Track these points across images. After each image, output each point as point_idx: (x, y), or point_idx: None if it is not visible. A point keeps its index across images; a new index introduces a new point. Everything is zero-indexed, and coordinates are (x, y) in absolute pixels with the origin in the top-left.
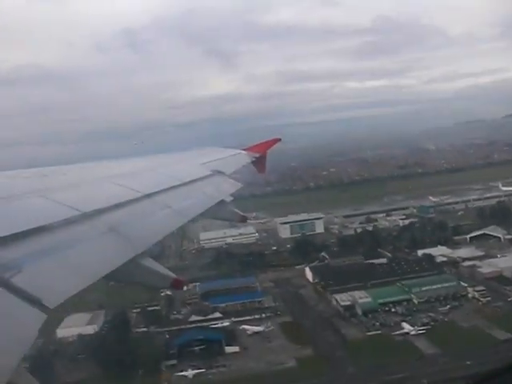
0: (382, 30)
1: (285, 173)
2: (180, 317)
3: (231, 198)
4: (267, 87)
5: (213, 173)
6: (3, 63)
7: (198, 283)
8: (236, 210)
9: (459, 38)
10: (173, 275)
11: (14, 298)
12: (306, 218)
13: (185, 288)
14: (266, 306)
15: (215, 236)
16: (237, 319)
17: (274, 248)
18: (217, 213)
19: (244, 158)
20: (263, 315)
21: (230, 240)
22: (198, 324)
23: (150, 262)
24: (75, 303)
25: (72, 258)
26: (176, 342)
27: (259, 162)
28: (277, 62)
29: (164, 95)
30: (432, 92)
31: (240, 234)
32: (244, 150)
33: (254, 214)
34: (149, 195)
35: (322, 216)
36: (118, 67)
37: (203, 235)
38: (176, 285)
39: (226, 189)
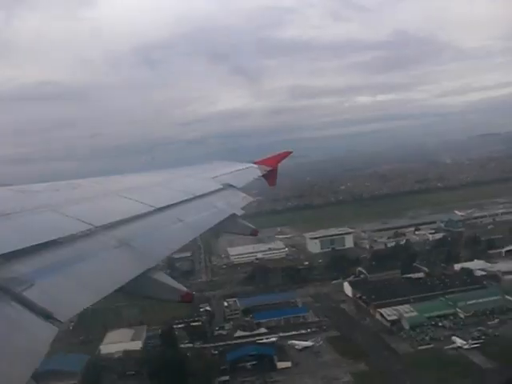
0: (394, 45)
1: (302, 187)
2: (224, 332)
3: (242, 212)
4: (277, 102)
5: (224, 186)
6: (19, 80)
7: (235, 298)
8: (247, 224)
9: (472, 51)
10: (183, 288)
11: (26, 311)
12: (336, 232)
13: (225, 304)
14: (310, 320)
15: (244, 251)
16: (283, 334)
17: (307, 263)
18: (228, 226)
19: (255, 171)
20: (309, 330)
21: (260, 255)
22: (244, 340)
23: (160, 276)
24: (112, 319)
25: (84, 272)
26: (228, 358)
27: (270, 175)
28: (287, 78)
29: (175, 112)
30: (443, 106)
31: (269, 249)
32: (255, 163)
33: (279, 229)
34: (160, 209)
35: (351, 231)
36: (131, 84)
37: (232, 250)
38: (186, 298)
39: (237, 202)
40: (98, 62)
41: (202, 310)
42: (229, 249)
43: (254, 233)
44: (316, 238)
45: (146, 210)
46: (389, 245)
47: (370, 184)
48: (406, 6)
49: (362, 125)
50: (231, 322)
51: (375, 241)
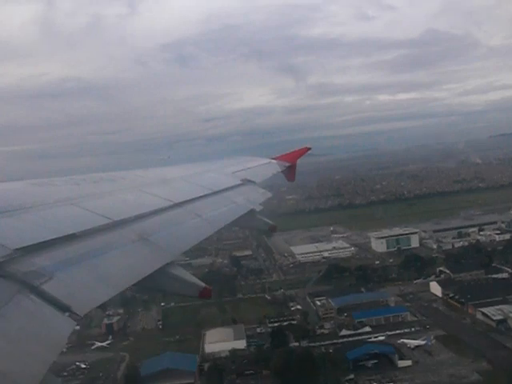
0: (417, 44)
1: (335, 186)
2: (326, 331)
3: (261, 207)
4: (300, 100)
5: (243, 182)
6: (44, 76)
7: (323, 297)
8: (266, 220)
9: (495, 50)
10: (202, 284)
11: (44, 304)
12: (401, 232)
13: (318, 303)
14: (410, 320)
15: (309, 250)
16: (390, 333)
17: (377, 262)
18: (247, 222)
19: (274, 166)
20: (412, 329)
21: (326, 254)
22: (350, 339)
23: (179, 271)
24: (200, 318)
25: (102, 266)
26: (349, 356)
27: (289, 171)
28: (310, 76)
29: (198, 108)
30: (464, 105)
31: (334, 248)
32: (274, 158)
33: (332, 228)
34: (179, 204)
35: (416, 231)
36: (155, 81)
37: (296, 249)
38: (205, 294)
39: (256, 198)
40: (123, 59)
41: (293, 308)
42: (292, 248)
43: (271, 228)
44: (382, 238)
45: (166, 205)
46: (456, 245)
47: (406, 183)
48: (430, 4)
49: (383, 123)
50: (331, 321)
51: (440, 241)
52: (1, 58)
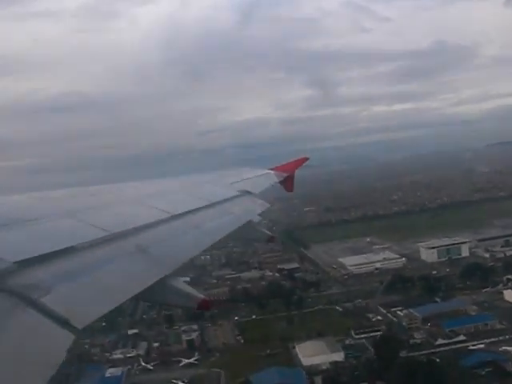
0: (411, 56)
1: (348, 197)
2: (418, 341)
3: (259, 218)
4: (295, 112)
5: (241, 193)
6: (46, 91)
7: (399, 307)
8: (264, 231)
9: (490, 59)
10: (201, 296)
11: (43, 318)
12: (451, 242)
13: (400, 313)
14: (498, 327)
15: (360, 262)
16: (487, 341)
17: (435, 272)
18: (245, 233)
19: (272, 177)
20: (507, 337)
21: (378, 265)
22: (447, 348)
23: (178, 283)
24: (278, 332)
25: (101, 279)
26: (464, 364)
27: (287, 181)
28: (306, 88)
29: (195, 121)
30: (459, 114)
31: (384, 259)
32: (272, 169)
33: (368, 239)
34: (177, 216)
35: (466, 240)
36: (155, 95)
37: (347, 261)
38: (204, 305)
39: (254, 209)
40: (124, 73)
41: (373, 319)
42: (341, 259)
43: (270, 240)
44: (433, 248)
45: (163, 217)
46: (507, 253)
47: (422, 193)
48: (426, 16)
49: (378, 133)
50: (420, 331)
51: (490, 250)
52: (2, 73)
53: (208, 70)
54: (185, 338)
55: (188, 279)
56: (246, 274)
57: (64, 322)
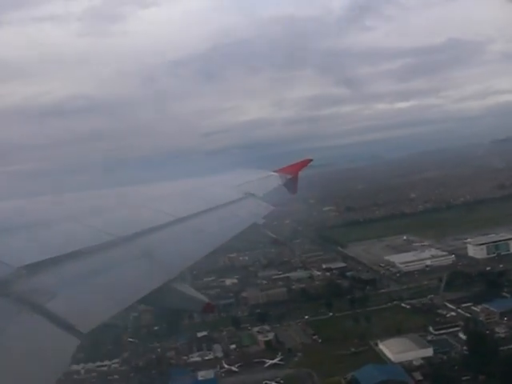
0: (415, 53)
1: (365, 196)
2: (502, 335)
3: (263, 221)
4: (298, 112)
5: (245, 195)
6: (52, 94)
7: (467, 304)
8: (269, 233)
9: (493, 55)
10: (205, 299)
11: (48, 323)
12: (499, 238)
13: (475, 309)
14: None
15: (409, 259)
16: None
17: (489, 268)
18: (250, 235)
19: (276, 179)
20: None
21: (428, 262)
22: None
23: (182, 287)
24: (351, 330)
25: (105, 283)
26: None
27: (291, 183)
28: (309, 87)
29: (200, 123)
30: (462, 110)
31: (432, 257)
32: (275, 171)
33: (405, 237)
34: (182, 219)
35: None
36: (162, 97)
37: (395, 258)
38: (208, 309)
39: (259, 211)
40: (132, 76)
41: (447, 315)
42: (387, 257)
43: (275, 242)
44: (482, 244)
45: (168, 220)
46: None
47: (441, 191)
48: (429, 13)
49: (380, 131)
50: (500, 326)
51: None
52: (8, 77)
53: (214, 71)
54: (261, 338)
55: (236, 281)
56: (294, 274)
57: (69, 327)
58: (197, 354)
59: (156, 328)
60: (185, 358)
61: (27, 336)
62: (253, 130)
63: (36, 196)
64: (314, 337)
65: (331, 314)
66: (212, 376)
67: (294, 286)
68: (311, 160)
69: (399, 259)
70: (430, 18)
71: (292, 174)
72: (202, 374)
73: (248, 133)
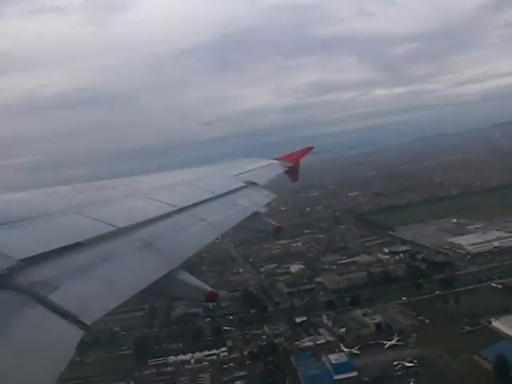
0: (414, 39)
1: (389, 181)
2: None
3: (265, 209)
4: (297, 99)
5: (246, 184)
6: (53, 86)
7: None
8: (271, 221)
9: (490, 39)
10: (208, 288)
11: (51, 314)
12: None
13: None
14: None
15: (475, 241)
16: None
17: None
18: (252, 224)
19: (277, 167)
20: None
21: (496, 244)
22: None
23: (185, 276)
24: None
25: (108, 274)
26: None
27: (292, 171)
28: (308, 75)
29: (198, 112)
30: (460, 95)
31: (499, 238)
32: (276, 159)
33: (455, 220)
34: (183, 209)
35: None
36: (167, 87)
37: (462, 241)
38: (211, 298)
39: (260, 200)
40: (138, 66)
41: None
42: (451, 240)
43: (277, 230)
44: None
45: (169, 210)
46: None
47: (465, 175)
48: None
49: (378, 118)
50: None
51: None
52: (10, 69)
53: (218, 59)
54: (369, 321)
55: (303, 267)
56: (361, 259)
57: (73, 318)
58: (307, 338)
59: (242, 315)
60: (297, 343)
61: (31, 328)
62: (252, 118)
63: (38, 187)
64: (419, 317)
65: (422, 295)
66: (345, 359)
67: (372, 270)
68: (312, 148)
69: (465, 241)
70: (428, 2)
71: (293, 162)
72: (334, 358)
73: (247, 121)
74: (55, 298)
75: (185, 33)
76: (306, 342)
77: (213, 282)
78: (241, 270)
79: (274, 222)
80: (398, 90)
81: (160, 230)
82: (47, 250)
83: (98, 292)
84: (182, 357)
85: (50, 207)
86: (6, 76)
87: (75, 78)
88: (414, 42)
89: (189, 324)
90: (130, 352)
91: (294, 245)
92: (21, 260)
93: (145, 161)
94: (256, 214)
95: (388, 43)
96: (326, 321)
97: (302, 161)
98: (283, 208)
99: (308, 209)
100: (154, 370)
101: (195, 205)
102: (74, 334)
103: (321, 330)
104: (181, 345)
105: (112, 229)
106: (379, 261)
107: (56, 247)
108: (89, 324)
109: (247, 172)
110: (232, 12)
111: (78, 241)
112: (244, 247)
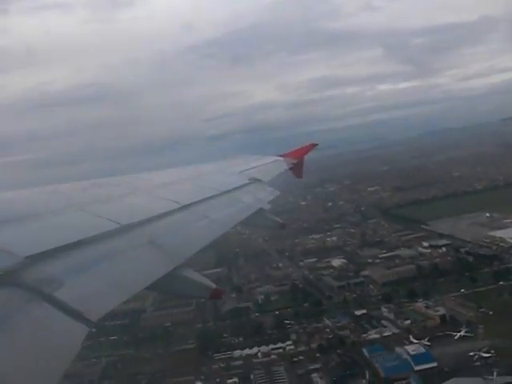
0: (423, 33)
1: (404, 176)
2: None
3: (269, 206)
4: (300, 95)
5: (250, 181)
6: (58, 83)
7: None
8: (276, 218)
9: (497, 33)
10: (213, 285)
11: (56, 312)
12: None
13: None
14: None
15: None
16: None
17: None
18: (256, 221)
19: (281, 164)
20: None
21: None
22: None
23: (189, 273)
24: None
25: (112, 271)
26: None
27: (296, 168)
28: (314, 70)
29: (201, 108)
30: (466, 89)
31: None
32: (280, 156)
33: (488, 214)
34: (187, 206)
35: None
36: (172, 83)
37: (500, 234)
38: (216, 295)
39: (265, 196)
40: (145, 62)
41: None
42: (491, 233)
43: (282, 226)
44: None
45: (173, 208)
46: None
47: (484, 169)
48: None
49: (383, 113)
50: None
51: None
52: (15, 66)
53: (223, 55)
54: (433, 313)
55: (345, 261)
56: (402, 252)
57: (78, 315)
58: (373, 331)
59: (296, 309)
60: (364, 335)
61: (36, 325)
62: (256, 114)
63: (42, 184)
64: (481, 309)
65: (477, 288)
66: (423, 350)
67: (420, 263)
68: (316, 144)
69: (506, 235)
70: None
71: (298, 159)
72: (412, 349)
73: (251, 116)
74: (60, 295)
75: (190, 29)
76: (372, 335)
77: (255, 277)
78: (280, 264)
79: (278, 219)
80: (404, 84)
81: (164, 227)
82: (52, 248)
83: (102, 289)
84: (247, 351)
85: (54, 205)
86: (11, 73)
87: (79, 74)
88: (419, 37)
89: (242, 318)
90: (190, 347)
91: (328, 239)
92: (26, 257)
93: (149, 157)
94: (260, 210)
95: (393, 38)
96: (386, 313)
97: (306, 157)
98: (303, 203)
99: (330, 203)
100: (223, 365)
101: (199, 202)
102: (79, 331)
103: (384, 323)
104: (241, 339)
105: (116, 226)
106: (421, 254)
107: (61, 244)
108: (94, 321)
109: (252, 169)
110: (238, 8)
111: (83, 238)
112: (274, 242)
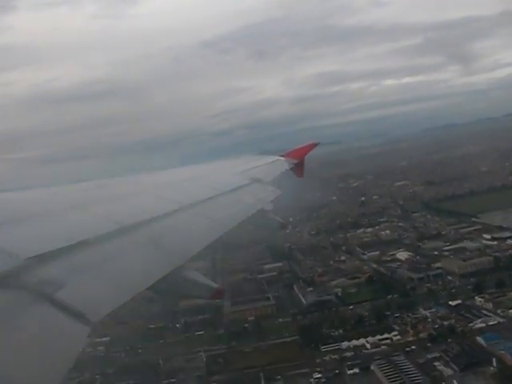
0: (426, 29)
1: (428, 171)
2: None
3: (271, 206)
4: (305, 90)
5: (251, 181)
6: (70, 79)
7: None
8: (277, 218)
9: (500, 27)
10: (214, 285)
11: (58, 312)
12: None
13: None
14: None
15: None
16: None
17: None
18: (258, 221)
19: (282, 164)
20: None
21: None
22: None
23: (191, 273)
24: None
25: (114, 272)
26: None
27: (298, 167)
28: (317, 65)
29: (211, 104)
30: (469, 84)
31: None
32: (281, 156)
33: None
34: (188, 206)
35: None
36: (182, 79)
37: None
38: (217, 295)
39: (266, 197)
40: (156, 58)
41: None
42: None
43: (283, 227)
44: None
45: (175, 208)
46: None
47: (510, 163)
48: None
49: (386, 109)
50: None
51: None
52: (24, 62)
53: (235, 51)
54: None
55: (411, 253)
56: (467, 244)
57: (79, 316)
58: (478, 320)
59: (383, 301)
60: (470, 324)
61: (38, 326)
62: (260, 110)
63: (44, 185)
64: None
65: None
66: None
67: (497, 255)
68: (317, 144)
69: None
70: None
71: (299, 159)
72: None
73: (255, 112)
74: (61, 295)
75: (202, 24)
76: (478, 324)
77: (322, 271)
78: (342, 257)
79: (279, 219)
80: (407, 79)
81: (166, 227)
82: (53, 249)
83: (104, 289)
84: (354, 342)
85: (56, 205)
86: (19, 69)
87: (89, 71)
88: (424, 33)
89: (330, 311)
90: (288, 340)
91: (382, 233)
92: (27, 258)
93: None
94: (261, 211)
95: (398, 33)
96: (480, 303)
97: (307, 156)
98: (334, 198)
99: (363, 198)
100: (334, 356)
101: (200, 202)
102: (81, 332)
103: (485, 312)
104: (341, 331)
105: (118, 226)
106: (487, 247)
107: (62, 245)
108: (95, 321)
109: (253, 169)
110: (250, 3)
111: (84, 239)
112: (323, 236)
